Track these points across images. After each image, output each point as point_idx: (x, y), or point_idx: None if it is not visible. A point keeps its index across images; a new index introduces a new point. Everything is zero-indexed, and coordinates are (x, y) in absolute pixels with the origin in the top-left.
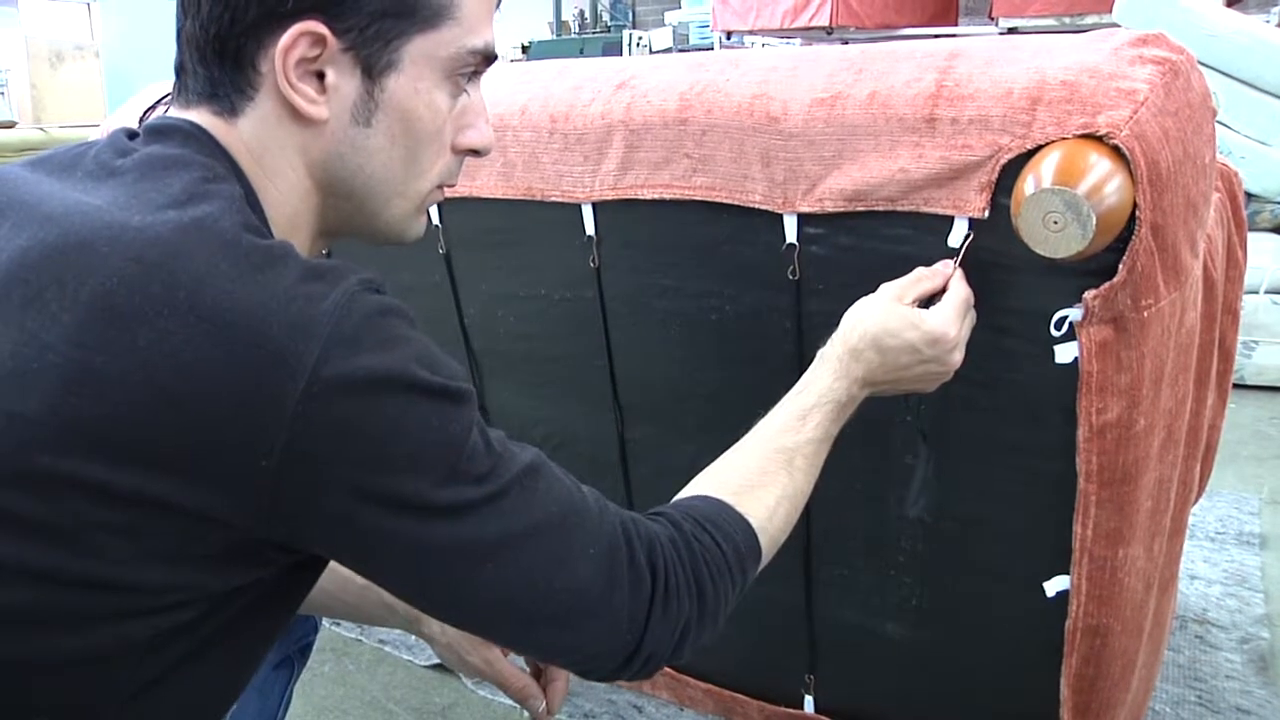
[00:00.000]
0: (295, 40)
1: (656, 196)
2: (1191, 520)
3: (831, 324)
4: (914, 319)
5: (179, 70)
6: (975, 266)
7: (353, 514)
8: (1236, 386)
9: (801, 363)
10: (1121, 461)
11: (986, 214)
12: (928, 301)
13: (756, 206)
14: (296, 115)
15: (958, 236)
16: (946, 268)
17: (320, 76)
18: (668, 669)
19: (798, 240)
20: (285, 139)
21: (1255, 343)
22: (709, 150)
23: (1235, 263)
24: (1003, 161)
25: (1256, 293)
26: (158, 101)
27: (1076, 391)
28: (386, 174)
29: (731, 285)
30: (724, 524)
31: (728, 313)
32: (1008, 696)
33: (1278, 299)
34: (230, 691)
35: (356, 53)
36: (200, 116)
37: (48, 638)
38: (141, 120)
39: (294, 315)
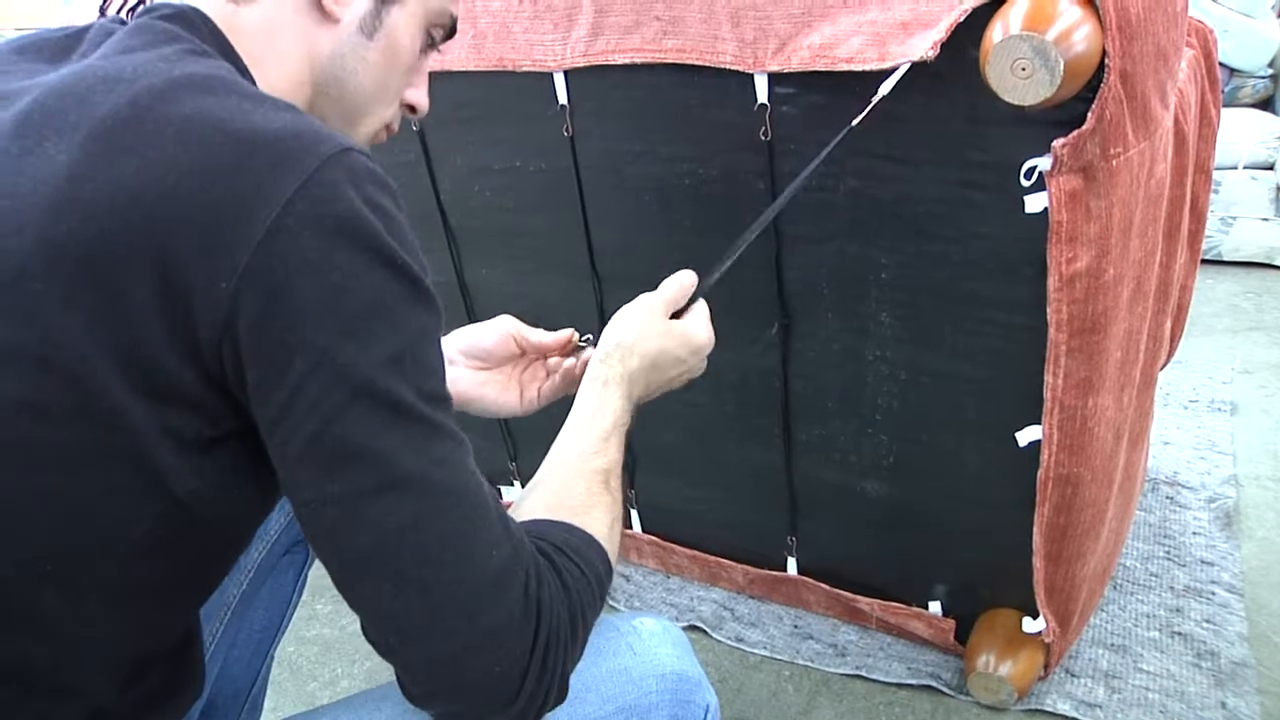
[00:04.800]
0: None
1: (628, 61)
2: (1166, 389)
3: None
4: (682, 334)
5: None
6: (944, 119)
7: (286, 367)
8: (1214, 262)
9: (775, 224)
10: (1091, 311)
11: (932, 55)
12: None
13: (727, 67)
14: (317, 7)
15: (892, 80)
16: (689, 279)
17: None
18: (655, 537)
19: (769, 101)
20: (298, 27)
21: (1233, 218)
22: (678, 12)
23: (1208, 120)
24: (968, 8)
25: (1235, 168)
26: None
27: (1046, 242)
28: (371, 88)
29: (704, 149)
30: (584, 550)
31: (701, 176)
32: (982, 547)
33: (1256, 175)
34: (214, 565)
35: None
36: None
37: (37, 477)
38: (101, 8)
39: (281, 150)
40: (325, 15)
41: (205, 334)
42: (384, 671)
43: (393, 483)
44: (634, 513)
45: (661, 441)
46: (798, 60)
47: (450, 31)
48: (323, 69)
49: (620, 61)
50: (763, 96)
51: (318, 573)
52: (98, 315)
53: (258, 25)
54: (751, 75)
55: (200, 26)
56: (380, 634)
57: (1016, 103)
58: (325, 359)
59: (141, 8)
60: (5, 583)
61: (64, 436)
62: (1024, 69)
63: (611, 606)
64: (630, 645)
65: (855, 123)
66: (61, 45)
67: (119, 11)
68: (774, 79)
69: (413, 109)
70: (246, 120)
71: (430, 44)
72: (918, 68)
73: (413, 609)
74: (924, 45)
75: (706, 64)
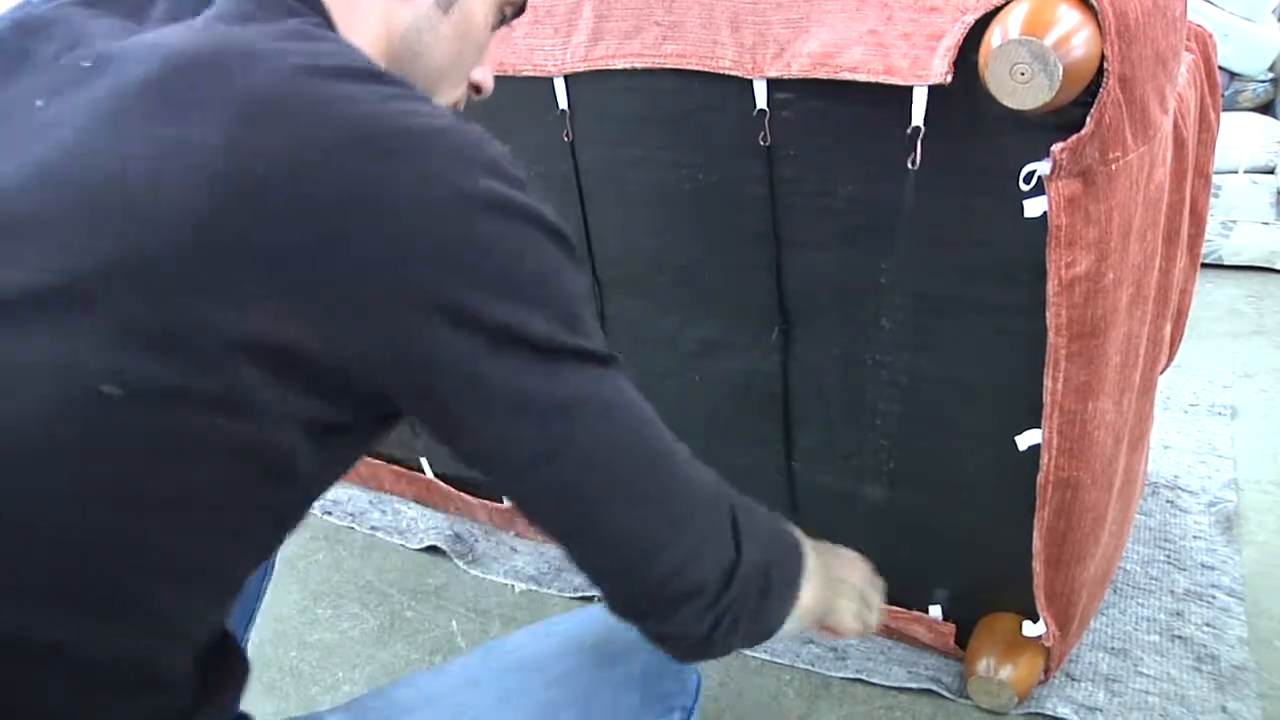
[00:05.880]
0: None
1: (628, 66)
2: (1166, 393)
3: (802, 190)
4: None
5: None
6: (944, 127)
7: (466, 341)
8: (1214, 266)
9: (775, 229)
10: (1090, 315)
11: (949, 79)
12: None
13: (727, 72)
14: None
15: (919, 106)
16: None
17: None
18: None
19: (768, 106)
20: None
21: (1233, 222)
22: (678, 17)
23: (1207, 125)
24: (970, 22)
25: (1236, 172)
26: None
27: (1045, 246)
28: (443, 65)
29: (704, 154)
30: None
31: (700, 182)
32: (982, 551)
33: (1257, 179)
34: (279, 546)
35: None
36: None
37: (166, 464)
38: None
39: (438, 140)
40: None
41: (369, 318)
42: (382, 676)
43: (596, 412)
44: None
45: None
46: (798, 67)
47: (520, 8)
48: (399, 42)
49: (620, 66)
50: (761, 102)
51: (319, 577)
52: (244, 301)
53: None
54: (751, 81)
55: None
56: (618, 560)
57: (1015, 107)
58: (507, 333)
59: None
60: (121, 579)
61: (199, 423)
62: (1023, 73)
63: None
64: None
65: (914, 167)
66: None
67: None
68: (773, 84)
69: (478, 89)
70: (400, 109)
71: (501, 21)
72: (915, 72)
73: (649, 520)
74: (932, 60)
75: (706, 69)
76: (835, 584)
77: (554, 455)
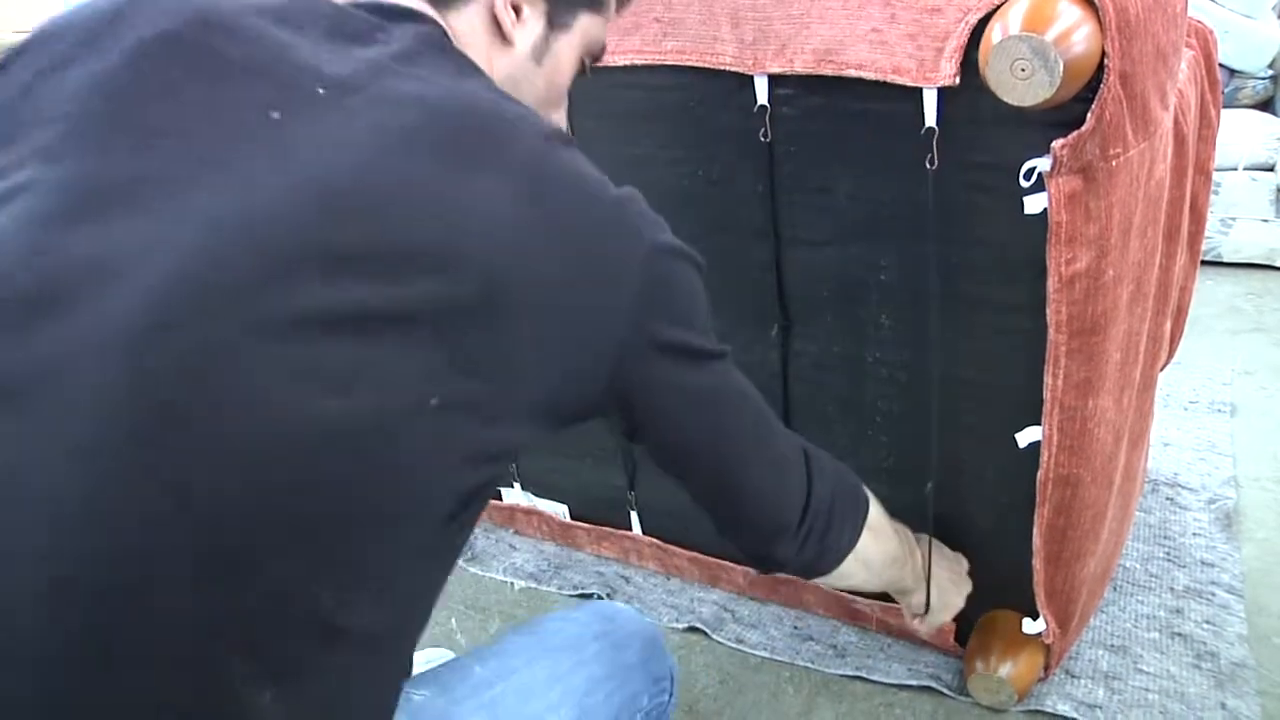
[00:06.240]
0: None
1: (628, 63)
2: (1166, 391)
3: (803, 187)
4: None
5: None
6: (944, 124)
7: (663, 363)
8: (1214, 264)
9: (775, 226)
10: (1090, 312)
11: (957, 80)
12: None
13: (727, 69)
14: (496, 30)
15: (931, 108)
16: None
17: (517, 11)
18: (655, 539)
19: (769, 102)
20: (482, 46)
21: (1233, 219)
22: (678, 13)
23: (1208, 122)
24: (973, 21)
25: (1235, 169)
26: None
27: (1046, 243)
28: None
29: (704, 150)
30: (848, 476)
31: (700, 178)
32: (981, 548)
33: (1256, 176)
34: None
35: (548, 3)
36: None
37: (444, 467)
38: None
39: (632, 202)
40: (504, 39)
41: (610, 360)
42: None
43: (738, 397)
44: (634, 515)
45: None
46: (801, 63)
47: (597, 57)
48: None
49: (620, 63)
50: (762, 98)
51: None
52: (526, 345)
53: (457, 37)
54: (751, 77)
55: (445, 36)
56: (751, 513)
57: (1016, 103)
58: (683, 351)
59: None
60: (409, 566)
61: (483, 436)
62: (1023, 70)
63: None
64: (609, 609)
65: (932, 167)
66: (334, 22)
67: None
68: (774, 80)
69: None
70: (601, 177)
71: (581, 70)
72: (924, 74)
73: (770, 478)
74: (940, 61)
75: (706, 65)
76: (910, 566)
77: (707, 432)
